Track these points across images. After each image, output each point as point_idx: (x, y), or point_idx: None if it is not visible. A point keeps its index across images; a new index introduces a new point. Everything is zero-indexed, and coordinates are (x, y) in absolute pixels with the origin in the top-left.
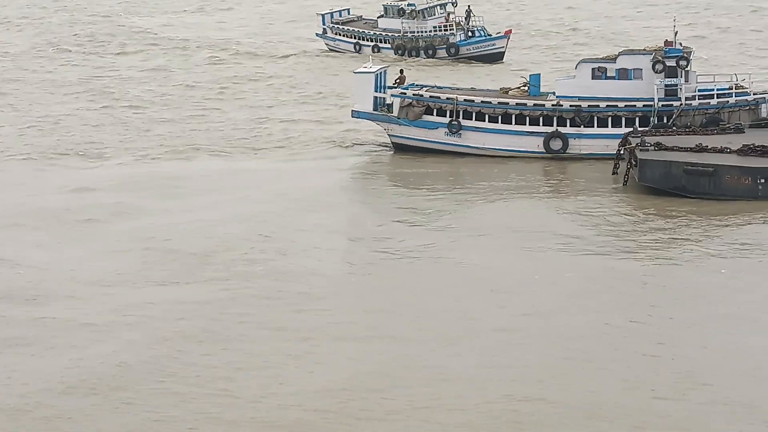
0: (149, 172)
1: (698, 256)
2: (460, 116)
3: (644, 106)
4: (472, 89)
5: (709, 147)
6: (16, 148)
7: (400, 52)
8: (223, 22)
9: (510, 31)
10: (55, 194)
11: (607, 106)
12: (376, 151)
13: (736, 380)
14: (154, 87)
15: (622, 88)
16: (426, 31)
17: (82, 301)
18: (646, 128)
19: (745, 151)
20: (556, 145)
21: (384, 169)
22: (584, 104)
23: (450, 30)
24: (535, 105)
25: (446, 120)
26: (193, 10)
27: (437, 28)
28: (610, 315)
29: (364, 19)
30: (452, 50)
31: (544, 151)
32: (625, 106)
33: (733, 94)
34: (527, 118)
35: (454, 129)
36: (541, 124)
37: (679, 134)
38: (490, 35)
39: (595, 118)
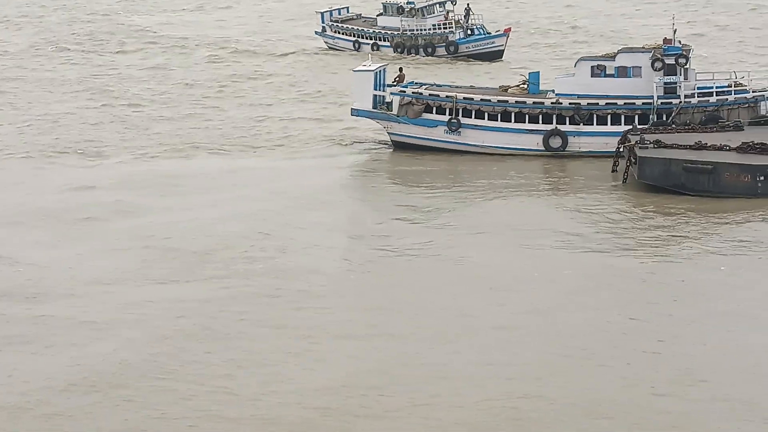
0: (149, 170)
1: (697, 253)
2: (460, 114)
3: (643, 103)
4: (472, 87)
5: (708, 145)
6: (15, 146)
7: (399, 50)
8: (222, 20)
9: (509, 29)
10: (54, 193)
11: (607, 103)
12: (375, 149)
13: (735, 377)
14: (153, 85)
15: (622, 85)
16: (425, 29)
17: (82, 299)
18: (646, 126)
19: (745, 148)
20: (556, 143)
21: (383, 167)
22: (583, 102)
23: (449, 28)
24: (534, 103)
25: (446, 118)
26: (192, 9)
27: (436, 26)
28: (609, 312)
29: (363, 17)
30: (451, 48)
31: (544, 149)
32: (625, 103)
33: (732, 92)
34: (526, 116)
35: (454, 127)
36: (540, 122)
37: (678, 132)
38: (490, 33)
39: (595, 115)
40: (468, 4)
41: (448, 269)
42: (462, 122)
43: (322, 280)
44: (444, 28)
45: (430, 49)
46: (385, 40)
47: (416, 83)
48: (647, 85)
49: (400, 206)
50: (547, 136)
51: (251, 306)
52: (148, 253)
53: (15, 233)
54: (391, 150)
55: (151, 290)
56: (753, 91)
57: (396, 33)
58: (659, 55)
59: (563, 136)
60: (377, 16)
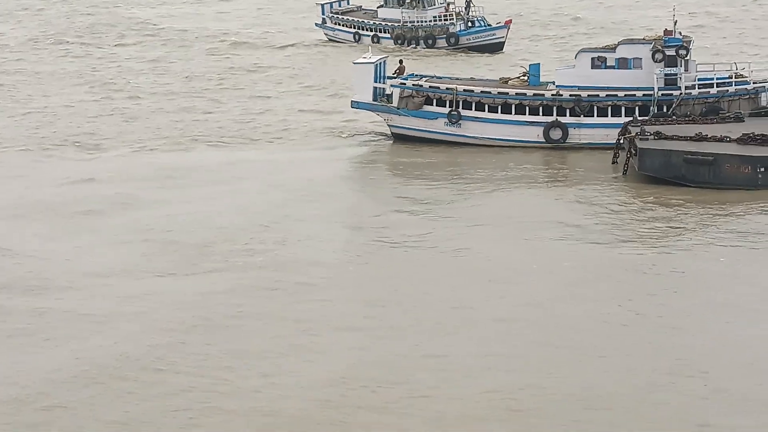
0: (148, 163)
1: (697, 244)
2: (460, 106)
3: (644, 95)
4: (472, 79)
5: (708, 136)
6: (14, 139)
7: (399, 41)
8: (222, 12)
9: (510, 21)
10: (53, 186)
11: (607, 95)
12: (375, 141)
13: (733, 370)
14: (153, 78)
15: (622, 77)
16: (426, 21)
17: (81, 292)
18: (646, 117)
19: (745, 140)
20: (556, 134)
21: (383, 160)
22: (584, 94)
23: (450, 20)
24: (534, 95)
25: (446, 110)
26: (192, 1)
27: (437, 18)
28: (609, 304)
29: (363, 9)
30: (452, 40)
31: (544, 140)
32: (625, 95)
33: (733, 83)
34: (527, 108)
35: (454, 119)
36: (540, 113)
37: (678, 123)
38: (490, 25)
39: (595, 107)
40: None
41: (447, 261)
42: (462, 114)
43: (321, 272)
44: (445, 20)
45: (430, 41)
46: (385, 32)
47: (416, 75)
48: (648, 77)
49: (400, 198)
50: (548, 128)
51: (251, 298)
52: (148, 246)
53: (14, 226)
54: (392, 142)
55: (150, 283)
56: (754, 83)
57: (396, 25)
58: (660, 47)
59: (564, 127)
60: (378, 8)
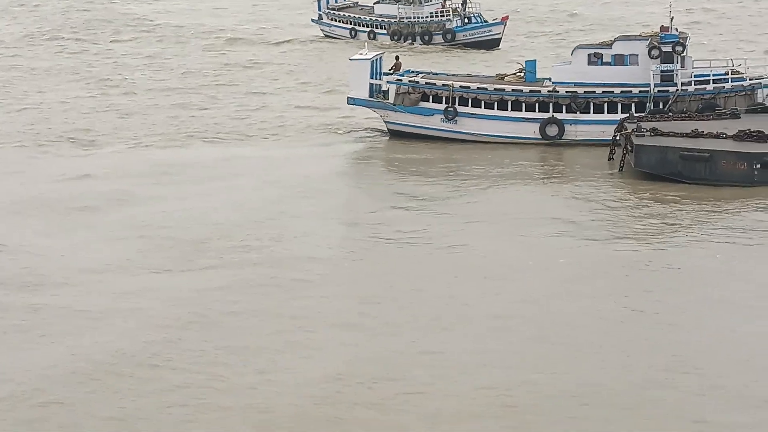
0: (144, 159)
1: (693, 241)
2: (456, 103)
3: (640, 91)
4: (468, 75)
5: (705, 132)
6: (9, 135)
7: (396, 37)
8: (218, 8)
9: (507, 17)
10: (49, 182)
11: (603, 92)
12: (371, 137)
13: (729, 366)
14: (149, 74)
15: (618, 73)
16: (422, 17)
17: (77, 289)
18: (642, 114)
19: (741, 136)
20: (552, 131)
21: (379, 156)
22: (580, 90)
23: (446, 16)
24: (531, 91)
25: (442, 106)
26: None
27: (433, 14)
28: (605, 301)
29: (360, 4)
30: (448, 36)
31: (540, 137)
32: (621, 91)
33: (729, 80)
34: (523, 105)
35: (450, 115)
36: (537, 110)
37: (675, 120)
38: (487, 21)
39: (591, 104)
40: None
41: (443, 257)
42: (458, 111)
43: (317, 268)
44: (441, 16)
45: (427, 37)
46: (381, 28)
47: (413, 72)
48: (644, 73)
49: (395, 194)
50: (544, 124)
51: (246, 295)
52: (144, 242)
53: (9, 222)
54: (388, 138)
55: (146, 279)
56: (750, 79)
57: (393, 21)
58: (656, 43)
59: (560, 124)
60: (374, 3)
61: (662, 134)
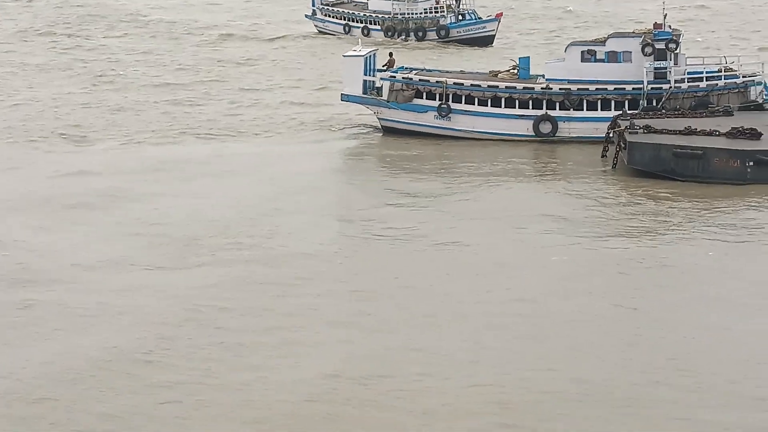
0: (137, 156)
1: (686, 238)
2: (450, 99)
3: (633, 89)
4: (462, 72)
5: (698, 130)
6: (2, 131)
7: (390, 33)
8: (212, 4)
9: (501, 14)
10: (42, 179)
11: (597, 89)
12: (365, 134)
13: (722, 364)
14: (142, 70)
15: (612, 71)
16: (416, 13)
17: (71, 285)
18: (636, 111)
19: (734, 134)
20: (546, 128)
21: (373, 153)
22: (574, 87)
23: (440, 12)
24: (524, 88)
25: (436, 103)
26: None
27: (427, 11)
28: (599, 298)
29: (353, 1)
30: (442, 33)
31: (534, 134)
32: (615, 89)
33: (723, 77)
34: (517, 102)
35: (444, 112)
36: (530, 107)
37: (668, 117)
38: (481, 18)
39: (585, 101)
40: None
41: (436, 254)
42: (452, 107)
43: (311, 265)
44: (435, 13)
45: (420, 34)
46: (375, 24)
47: (406, 68)
48: (637, 71)
49: (389, 191)
50: (538, 121)
51: (241, 292)
52: (138, 239)
53: (2, 219)
54: (381, 135)
55: (140, 276)
56: (743, 76)
57: (387, 17)
58: (649, 40)
59: (553, 121)
60: None
61: (655, 131)
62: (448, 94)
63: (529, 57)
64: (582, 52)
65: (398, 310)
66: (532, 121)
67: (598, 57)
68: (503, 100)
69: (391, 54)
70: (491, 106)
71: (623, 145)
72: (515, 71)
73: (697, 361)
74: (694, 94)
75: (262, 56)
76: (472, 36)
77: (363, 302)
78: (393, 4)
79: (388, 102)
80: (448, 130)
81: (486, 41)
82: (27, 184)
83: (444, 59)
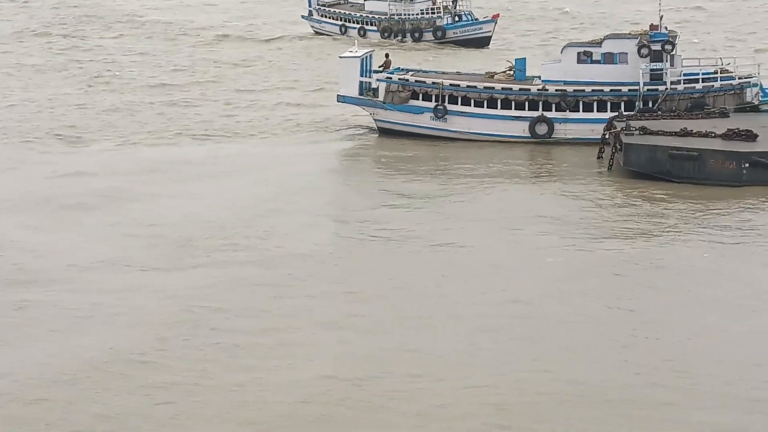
0: (133, 156)
1: (681, 240)
2: (446, 101)
3: (629, 90)
4: (458, 74)
5: (693, 131)
6: None
7: (386, 34)
8: (208, 5)
9: (497, 15)
10: (38, 179)
11: (593, 90)
12: (361, 135)
13: (717, 366)
14: (138, 71)
15: (608, 72)
16: (413, 14)
17: (67, 286)
18: (632, 112)
19: (730, 135)
20: (542, 129)
21: (369, 154)
22: (570, 89)
23: (437, 13)
24: (520, 90)
25: (432, 105)
26: None
27: (424, 11)
28: (594, 300)
29: (350, 1)
30: (439, 34)
31: (530, 135)
32: (611, 90)
33: (719, 79)
34: (513, 103)
35: (440, 114)
36: (526, 108)
37: (664, 119)
38: (477, 19)
39: (581, 102)
40: None
41: (431, 256)
42: (448, 109)
43: (306, 266)
44: (432, 14)
45: (417, 34)
46: (372, 25)
47: (403, 69)
48: (633, 72)
49: (385, 192)
50: (534, 122)
51: (236, 293)
52: (133, 240)
53: None
54: (377, 136)
55: (136, 277)
56: (739, 78)
57: (383, 18)
58: (646, 42)
59: (549, 122)
60: (365, 0)
61: (651, 133)
62: (444, 96)
63: (525, 58)
64: (578, 53)
65: (393, 311)
66: (528, 123)
67: (594, 58)
68: (499, 102)
69: (387, 55)
70: (487, 107)
71: (619, 147)
72: (511, 72)
73: (692, 362)
74: (690, 96)
75: (258, 57)
76: (468, 37)
77: (358, 303)
78: (389, 4)
79: (384, 103)
80: (444, 132)
81: (482, 42)
82: (23, 185)
83: (440, 60)
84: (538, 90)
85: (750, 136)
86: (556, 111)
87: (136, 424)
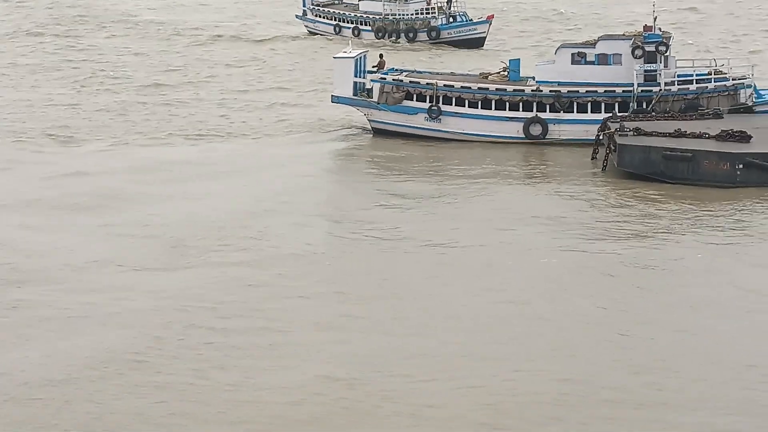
0: (126, 157)
1: (675, 241)
2: (440, 102)
3: (623, 91)
4: (452, 74)
5: (687, 132)
6: None
7: (380, 34)
8: (202, 5)
9: (492, 16)
10: (31, 179)
11: (587, 91)
12: (355, 136)
13: (712, 367)
14: (131, 71)
15: (602, 73)
16: (407, 14)
17: (59, 286)
18: (626, 113)
19: (724, 136)
20: (536, 130)
21: (363, 154)
22: (564, 90)
23: (431, 14)
24: (515, 90)
25: (426, 105)
26: None
27: (419, 12)
28: (588, 301)
29: (344, 1)
30: (433, 34)
31: (524, 136)
32: (605, 91)
33: (712, 80)
34: (507, 104)
35: (434, 114)
36: (520, 109)
37: (658, 120)
38: (471, 20)
39: (575, 103)
40: None
41: (425, 256)
42: (442, 109)
43: (300, 267)
44: (426, 14)
45: (411, 35)
46: (366, 25)
47: (397, 70)
48: (627, 73)
49: (379, 193)
50: (528, 123)
51: (229, 294)
52: (126, 240)
53: None
54: (371, 137)
55: (129, 278)
56: (733, 79)
57: (378, 18)
58: (639, 43)
59: (543, 123)
60: (359, 0)
61: (645, 134)
62: (439, 96)
63: (519, 59)
64: (572, 54)
65: (386, 311)
66: (522, 124)
67: (588, 59)
68: (493, 102)
69: (381, 55)
70: (481, 108)
71: (613, 148)
72: (505, 73)
73: (686, 363)
74: (684, 97)
75: (252, 57)
76: (462, 38)
77: (351, 304)
78: (384, 5)
79: (378, 104)
80: (438, 132)
81: (477, 43)
82: (16, 185)
83: (434, 61)
84: (532, 91)
85: (744, 138)
86: (550, 112)
87: (130, 424)
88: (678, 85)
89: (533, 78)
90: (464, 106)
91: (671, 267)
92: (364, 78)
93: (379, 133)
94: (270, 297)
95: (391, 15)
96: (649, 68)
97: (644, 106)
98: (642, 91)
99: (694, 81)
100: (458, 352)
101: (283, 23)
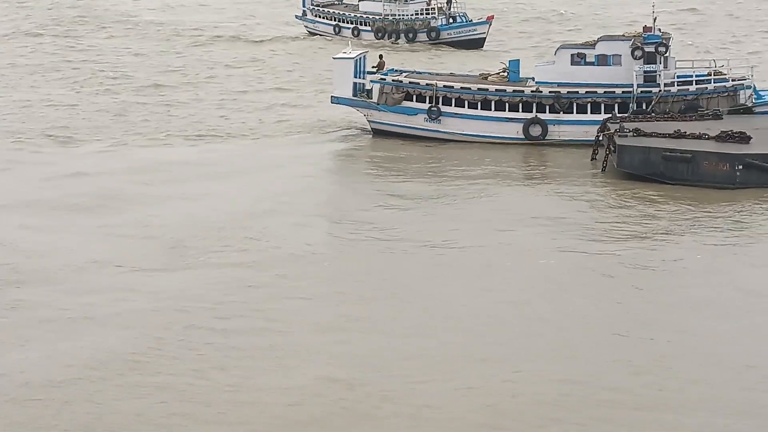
0: (125, 157)
1: (674, 241)
2: (440, 102)
3: (623, 92)
4: (452, 75)
5: (687, 133)
6: None
7: (380, 35)
8: (202, 5)
9: (492, 16)
10: (30, 180)
11: (587, 92)
12: (355, 136)
13: (711, 368)
14: (130, 71)
15: (602, 74)
16: (407, 15)
17: (57, 287)
18: (625, 114)
19: (723, 137)
20: (536, 131)
21: (363, 155)
22: (563, 90)
23: (431, 14)
24: (514, 91)
25: (426, 106)
26: None
27: (418, 12)
28: (588, 301)
29: (344, 2)
30: (433, 35)
31: (524, 137)
32: (605, 92)
33: (712, 81)
34: (507, 105)
35: (434, 115)
36: (520, 110)
37: (657, 120)
38: (471, 21)
39: (575, 104)
40: None
41: (425, 257)
42: (442, 110)
43: (300, 268)
44: (426, 14)
45: (411, 35)
46: (366, 25)
47: (396, 71)
48: (627, 74)
49: (378, 194)
50: (527, 124)
51: (229, 295)
52: (126, 241)
53: None
54: (371, 138)
55: (128, 279)
56: (732, 80)
57: (377, 18)
58: (639, 44)
59: (543, 124)
60: (359, 1)
61: (645, 135)
62: (438, 97)
63: (519, 60)
64: (572, 55)
65: (386, 312)
66: (522, 124)
67: (587, 60)
68: (493, 103)
69: (381, 56)
70: (481, 108)
71: (613, 149)
72: (505, 74)
73: (685, 364)
74: (684, 98)
75: (251, 57)
76: (462, 38)
77: (351, 304)
78: (384, 5)
79: (377, 104)
80: (438, 133)
81: (476, 44)
82: (16, 185)
83: (434, 61)
84: (531, 91)
85: (743, 138)
86: (549, 113)
87: (130, 425)
88: (677, 85)
89: (533, 79)
90: (464, 106)
91: (671, 267)
92: (363, 79)
93: (378, 133)
94: (270, 297)
95: (391, 15)
96: (648, 69)
97: (644, 107)
98: (641, 91)
99: (694, 82)
100: (458, 353)
101: (282, 24)
